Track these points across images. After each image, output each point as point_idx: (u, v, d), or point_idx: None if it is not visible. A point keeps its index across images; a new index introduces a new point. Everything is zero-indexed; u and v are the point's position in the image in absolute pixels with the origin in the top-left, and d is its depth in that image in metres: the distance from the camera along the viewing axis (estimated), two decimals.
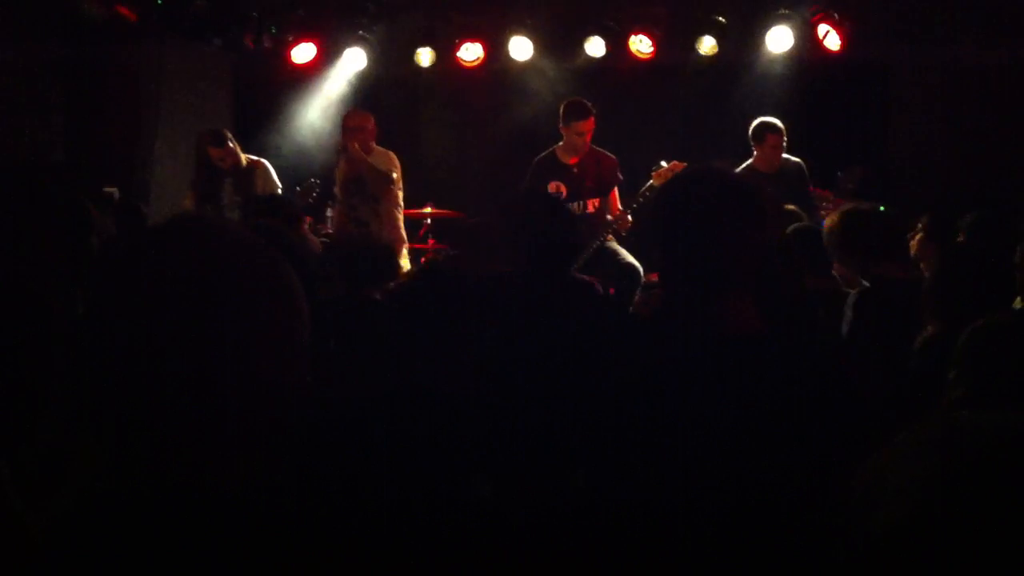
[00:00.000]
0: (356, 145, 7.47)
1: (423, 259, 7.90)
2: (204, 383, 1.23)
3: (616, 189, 7.42)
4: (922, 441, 0.96)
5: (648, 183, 7.30)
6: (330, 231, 8.12)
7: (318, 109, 9.46)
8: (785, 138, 7.38)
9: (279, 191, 7.65)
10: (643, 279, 6.82)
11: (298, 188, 7.55)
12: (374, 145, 7.64)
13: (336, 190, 7.76)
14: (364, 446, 2.70)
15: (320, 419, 2.46)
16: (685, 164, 7.20)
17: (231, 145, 7.44)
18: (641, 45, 8.73)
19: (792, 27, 8.51)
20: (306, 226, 7.63)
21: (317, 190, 7.64)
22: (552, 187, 7.23)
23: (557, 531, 2.79)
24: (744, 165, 7.43)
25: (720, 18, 8.68)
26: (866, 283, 4.72)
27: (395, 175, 7.58)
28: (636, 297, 6.39)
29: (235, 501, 1.27)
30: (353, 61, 9.12)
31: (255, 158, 7.65)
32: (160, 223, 1.33)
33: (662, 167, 7.32)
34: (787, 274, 4.23)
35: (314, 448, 2.23)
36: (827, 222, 5.04)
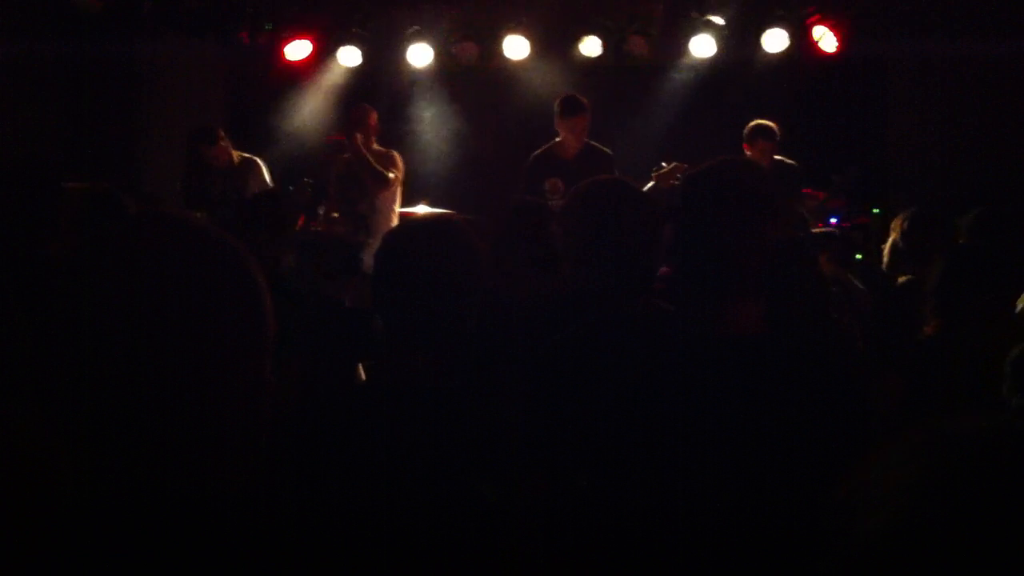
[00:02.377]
0: (359, 137, 7.45)
1: None
2: (192, 381, 1.23)
3: None
4: (906, 447, 0.95)
5: (650, 183, 7.31)
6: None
7: (312, 106, 9.45)
8: (777, 142, 7.37)
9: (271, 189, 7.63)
10: None
11: (291, 188, 7.53)
12: (375, 142, 7.65)
13: (329, 187, 7.74)
14: (362, 447, 2.69)
15: (315, 420, 2.45)
16: (686, 165, 7.23)
17: (223, 143, 7.41)
18: (637, 46, 8.75)
19: (788, 28, 8.53)
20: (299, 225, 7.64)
21: (311, 190, 7.62)
22: (550, 184, 7.23)
23: (559, 533, 2.78)
24: None
25: (716, 18, 8.68)
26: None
27: (392, 175, 7.57)
28: None
29: (229, 503, 1.27)
30: (347, 58, 9.10)
31: (248, 156, 7.62)
32: (132, 219, 1.33)
33: (663, 167, 7.34)
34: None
35: (312, 450, 2.21)
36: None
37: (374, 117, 7.67)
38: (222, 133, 7.53)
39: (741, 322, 2.14)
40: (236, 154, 7.55)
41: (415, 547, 1.97)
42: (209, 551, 1.21)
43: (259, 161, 7.61)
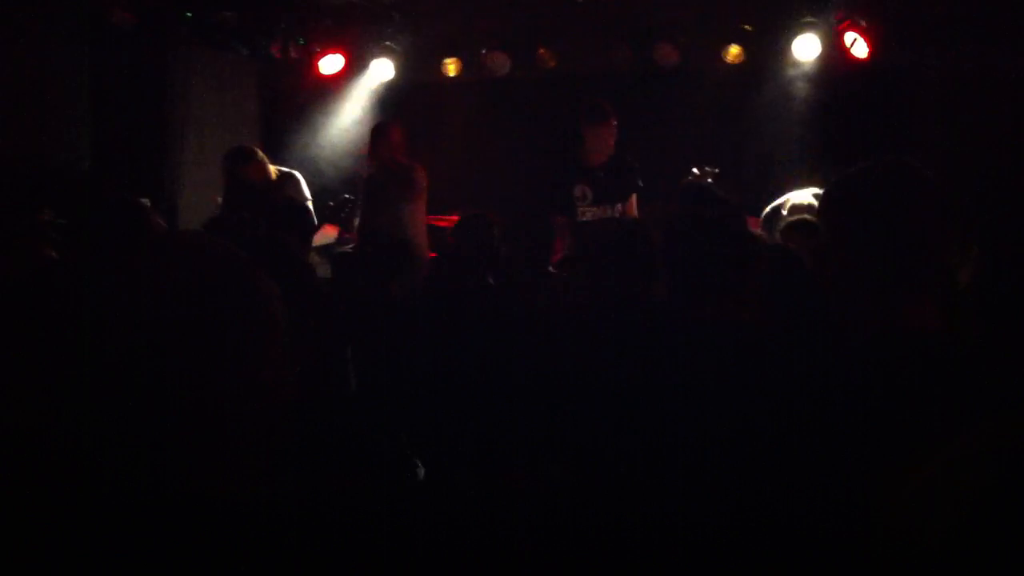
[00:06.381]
0: (383, 152, 7.52)
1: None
2: (200, 383, 1.26)
3: (634, 195, 7.37)
4: (976, 446, 0.93)
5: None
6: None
7: (345, 119, 9.51)
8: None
9: (309, 203, 7.68)
10: None
11: (331, 204, 7.59)
12: (401, 156, 7.69)
13: (360, 198, 7.81)
14: (360, 441, 2.73)
15: (319, 418, 2.48)
16: (717, 170, 7.22)
17: (259, 161, 7.45)
18: (666, 54, 8.76)
19: (819, 35, 8.49)
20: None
21: (349, 205, 7.70)
22: (578, 191, 7.24)
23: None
24: None
25: (746, 26, 8.66)
26: None
27: (418, 187, 7.60)
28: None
29: (234, 505, 1.29)
30: (380, 71, 9.16)
31: (286, 170, 7.67)
32: (155, 236, 1.38)
33: (695, 174, 7.33)
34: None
35: (312, 449, 2.25)
36: None
37: (398, 132, 7.70)
38: (258, 150, 7.57)
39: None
40: (274, 169, 7.60)
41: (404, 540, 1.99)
42: (214, 551, 1.23)
43: (297, 175, 7.66)
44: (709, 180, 7.20)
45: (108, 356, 1.24)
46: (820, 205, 2.33)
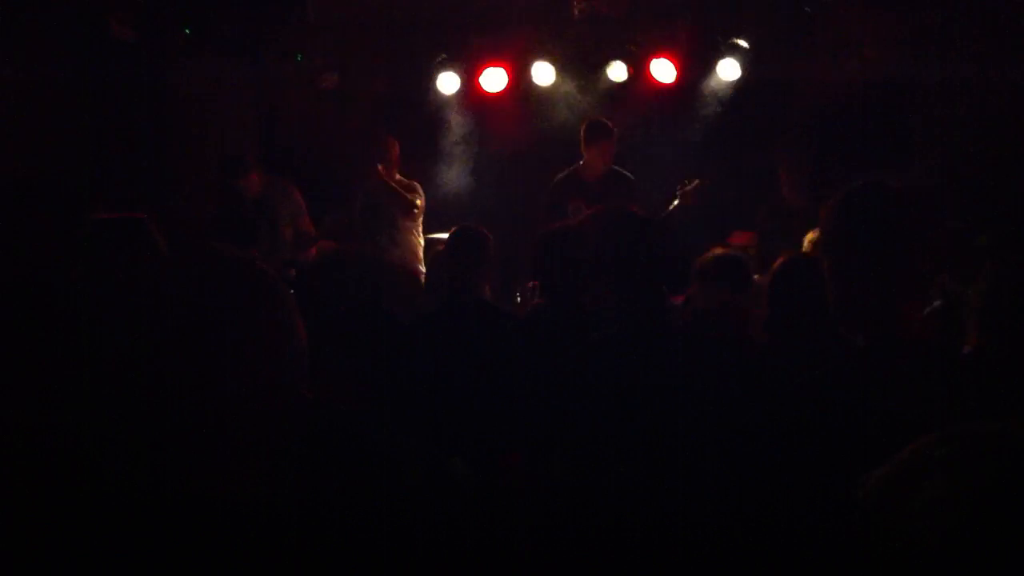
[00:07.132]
0: (380, 169, 7.54)
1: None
2: (204, 385, 1.28)
3: None
4: (946, 453, 0.94)
5: (675, 202, 7.32)
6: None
7: (342, 134, 9.51)
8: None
9: (304, 214, 7.69)
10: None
11: (325, 218, 7.62)
12: (397, 172, 7.72)
13: (356, 218, 7.82)
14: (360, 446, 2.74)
15: (321, 425, 2.50)
16: (708, 182, 7.25)
17: (254, 174, 7.47)
18: (662, 71, 8.79)
19: (813, 52, 8.54)
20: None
21: (343, 221, 7.74)
22: (573, 205, 7.25)
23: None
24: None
25: (741, 41, 8.70)
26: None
27: (419, 203, 7.63)
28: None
29: (234, 505, 1.31)
30: (377, 86, 9.19)
31: (279, 179, 7.69)
32: (166, 256, 1.38)
33: (687, 185, 7.35)
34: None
35: (313, 453, 2.26)
36: None
37: (396, 149, 7.74)
38: (252, 162, 7.58)
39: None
40: (268, 179, 7.61)
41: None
42: (214, 551, 1.26)
43: (292, 185, 7.68)
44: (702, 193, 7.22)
45: (109, 357, 1.26)
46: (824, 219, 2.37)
